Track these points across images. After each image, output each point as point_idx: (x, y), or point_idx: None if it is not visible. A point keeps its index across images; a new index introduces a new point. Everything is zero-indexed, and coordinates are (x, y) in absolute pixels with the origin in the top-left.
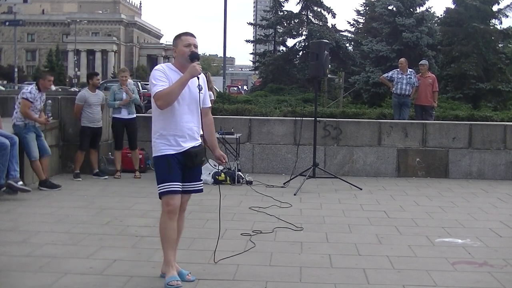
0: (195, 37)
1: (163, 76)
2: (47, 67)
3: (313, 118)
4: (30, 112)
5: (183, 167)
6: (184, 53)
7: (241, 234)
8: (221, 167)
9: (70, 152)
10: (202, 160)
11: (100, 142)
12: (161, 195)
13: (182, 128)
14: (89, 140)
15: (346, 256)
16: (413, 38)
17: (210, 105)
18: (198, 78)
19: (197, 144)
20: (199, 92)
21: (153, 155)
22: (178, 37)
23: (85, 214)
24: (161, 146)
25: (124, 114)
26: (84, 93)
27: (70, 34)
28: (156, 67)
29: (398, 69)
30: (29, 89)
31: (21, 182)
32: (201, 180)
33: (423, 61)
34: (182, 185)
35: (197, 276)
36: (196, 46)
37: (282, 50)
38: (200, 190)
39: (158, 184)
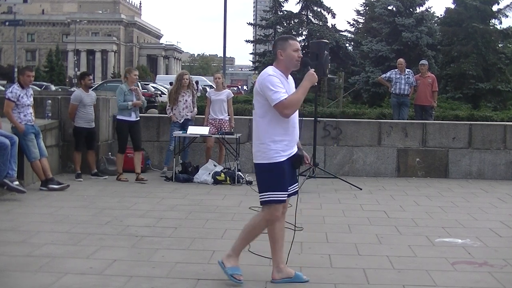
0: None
1: (280, 83)
2: (47, 67)
3: (313, 118)
4: (12, 113)
5: (291, 171)
6: (293, 57)
7: None
8: (220, 167)
9: (70, 152)
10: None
11: (100, 142)
12: (267, 203)
13: (293, 132)
14: (83, 140)
15: (346, 256)
16: (413, 38)
17: None
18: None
19: (298, 147)
20: None
21: (261, 162)
22: (285, 40)
23: (85, 214)
24: (273, 153)
25: (133, 117)
26: (79, 93)
27: (70, 34)
28: (269, 73)
29: (396, 69)
30: (11, 88)
31: (17, 182)
32: (297, 181)
33: (423, 61)
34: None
35: (197, 276)
36: (301, 51)
37: None
38: (297, 191)
39: (264, 191)
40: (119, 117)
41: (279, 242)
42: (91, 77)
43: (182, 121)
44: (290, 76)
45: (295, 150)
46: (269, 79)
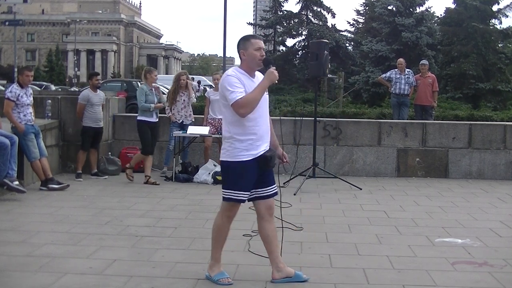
0: (262, 40)
1: (238, 83)
2: (47, 67)
3: (313, 118)
4: (12, 113)
5: (258, 172)
6: (255, 56)
7: (243, 235)
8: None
9: (70, 152)
10: (275, 162)
11: (99, 142)
12: (226, 200)
13: (259, 131)
14: (91, 140)
15: (346, 256)
16: (413, 38)
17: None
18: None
19: (269, 147)
20: (267, 94)
21: (225, 159)
22: (246, 40)
23: (85, 214)
24: (237, 152)
25: (154, 118)
26: (87, 93)
27: (70, 34)
28: (228, 73)
29: (396, 69)
30: (10, 88)
31: (17, 182)
32: (275, 183)
33: (424, 61)
34: (261, 190)
35: (197, 276)
36: (264, 49)
37: (282, 50)
38: (276, 193)
39: (225, 188)
40: (140, 118)
41: (273, 243)
42: (99, 77)
43: (181, 120)
44: (259, 75)
45: (264, 149)
46: (227, 80)
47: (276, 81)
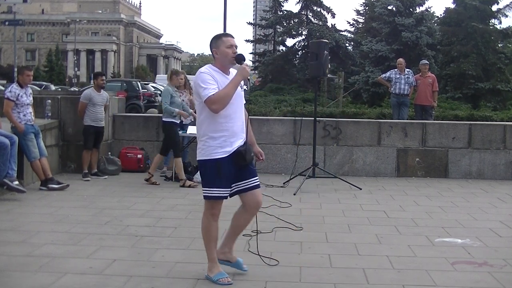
0: (234, 38)
1: (211, 79)
2: (47, 67)
3: (313, 118)
4: (11, 113)
5: (235, 168)
6: (227, 54)
7: (242, 235)
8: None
9: (70, 152)
10: (252, 156)
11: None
12: (206, 198)
13: (232, 128)
14: (93, 138)
15: (346, 256)
16: (413, 37)
17: (244, 101)
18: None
19: (244, 142)
20: (242, 90)
21: (201, 158)
22: (218, 38)
23: (85, 214)
24: (212, 150)
25: (178, 119)
26: (90, 92)
27: (69, 34)
28: (201, 70)
29: (396, 69)
30: (9, 88)
31: (16, 182)
32: (257, 176)
33: (424, 61)
34: (242, 183)
35: (197, 276)
36: (236, 47)
37: (282, 50)
38: (259, 186)
39: (204, 187)
40: (167, 119)
41: (237, 233)
42: (104, 77)
43: (180, 120)
44: (233, 72)
45: (238, 145)
46: (200, 77)
47: (249, 77)
